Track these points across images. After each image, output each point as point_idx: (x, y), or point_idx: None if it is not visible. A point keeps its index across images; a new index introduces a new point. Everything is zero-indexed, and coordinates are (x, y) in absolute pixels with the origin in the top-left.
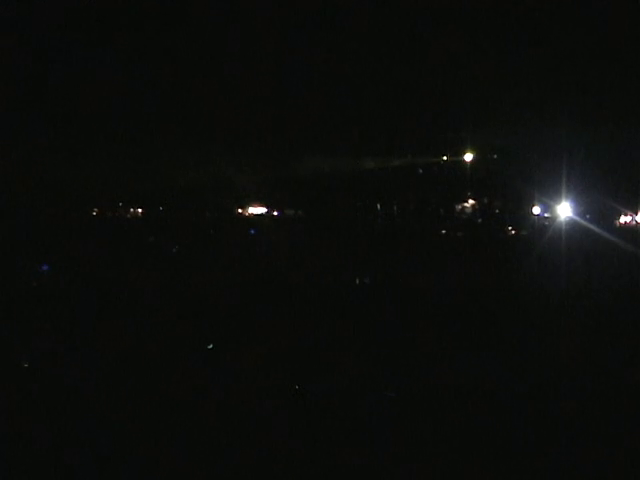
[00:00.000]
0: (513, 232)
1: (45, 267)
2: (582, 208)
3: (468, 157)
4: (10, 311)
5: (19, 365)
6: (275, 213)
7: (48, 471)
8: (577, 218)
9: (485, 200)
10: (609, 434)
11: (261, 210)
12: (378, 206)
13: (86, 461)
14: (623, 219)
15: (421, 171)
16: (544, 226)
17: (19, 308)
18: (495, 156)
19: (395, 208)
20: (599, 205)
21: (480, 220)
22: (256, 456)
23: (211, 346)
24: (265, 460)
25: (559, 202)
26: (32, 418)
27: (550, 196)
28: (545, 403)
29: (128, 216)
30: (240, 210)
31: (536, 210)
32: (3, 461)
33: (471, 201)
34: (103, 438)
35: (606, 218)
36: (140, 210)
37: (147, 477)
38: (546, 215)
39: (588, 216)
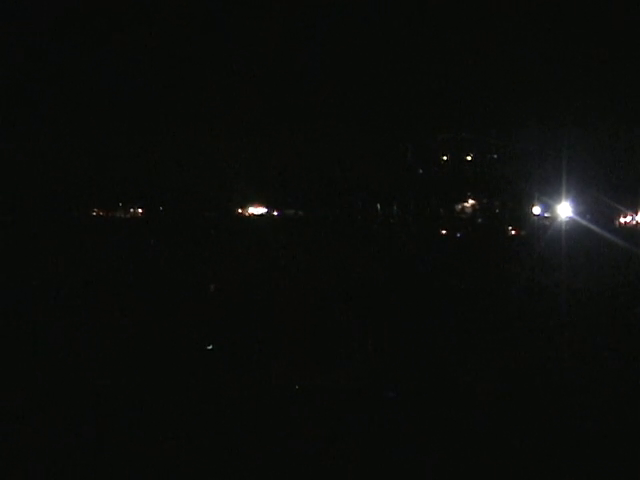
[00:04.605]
0: (513, 232)
1: None
2: (582, 208)
3: (468, 157)
4: (11, 311)
5: (20, 366)
6: (275, 213)
7: (47, 470)
8: (577, 218)
9: (485, 200)
10: (611, 434)
11: (261, 210)
12: (378, 206)
13: (87, 460)
14: (623, 219)
15: (421, 171)
16: (544, 226)
17: (20, 308)
18: (495, 156)
19: (395, 208)
20: (599, 205)
21: (480, 220)
22: (256, 455)
23: (210, 347)
24: (265, 460)
25: (559, 202)
26: (33, 416)
27: (550, 196)
28: (546, 402)
29: (128, 216)
30: (240, 210)
31: (536, 210)
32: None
33: (471, 201)
34: (104, 438)
35: (606, 218)
36: (140, 210)
37: (147, 476)
38: (546, 215)
39: (588, 216)
